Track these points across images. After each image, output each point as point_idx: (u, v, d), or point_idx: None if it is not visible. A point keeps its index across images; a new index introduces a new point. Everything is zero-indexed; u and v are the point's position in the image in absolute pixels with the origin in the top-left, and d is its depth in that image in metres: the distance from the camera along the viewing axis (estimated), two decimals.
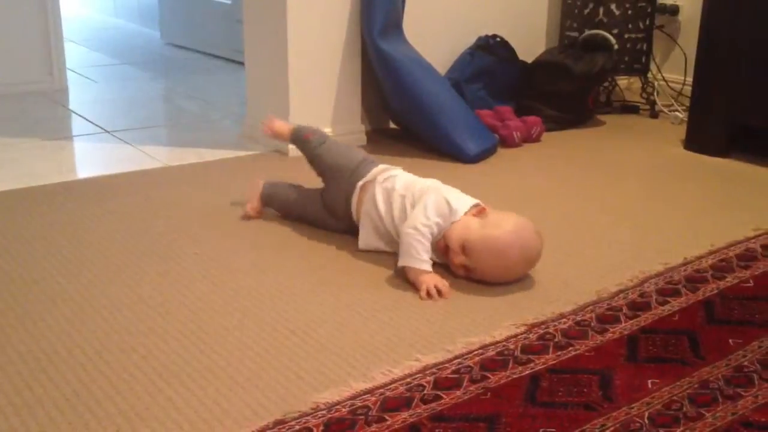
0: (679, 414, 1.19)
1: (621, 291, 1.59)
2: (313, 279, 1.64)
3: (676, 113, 2.98)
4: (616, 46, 2.91)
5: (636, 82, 3.25)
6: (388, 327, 1.45)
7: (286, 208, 1.96)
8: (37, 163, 2.38)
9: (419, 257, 1.61)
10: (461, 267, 1.63)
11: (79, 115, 2.95)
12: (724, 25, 2.46)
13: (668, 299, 1.56)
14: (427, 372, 1.29)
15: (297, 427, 1.14)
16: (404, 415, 1.18)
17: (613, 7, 2.98)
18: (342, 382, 1.26)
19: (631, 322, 1.47)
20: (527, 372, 1.30)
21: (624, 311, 1.51)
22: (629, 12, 2.99)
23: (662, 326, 1.46)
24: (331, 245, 1.81)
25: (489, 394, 1.24)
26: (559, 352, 1.36)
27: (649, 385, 1.26)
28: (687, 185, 2.28)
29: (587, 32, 2.96)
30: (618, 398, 1.22)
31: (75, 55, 4.01)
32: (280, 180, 2.01)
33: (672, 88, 3.14)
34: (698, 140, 2.59)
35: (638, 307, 1.53)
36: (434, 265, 1.64)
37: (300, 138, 1.97)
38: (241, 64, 2.93)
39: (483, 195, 1.74)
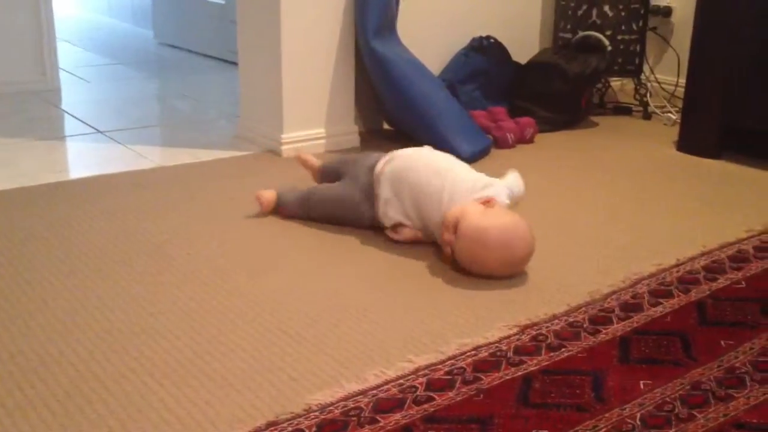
0: (671, 415, 1.19)
1: (613, 292, 1.59)
2: (305, 280, 1.64)
3: (669, 114, 2.98)
4: (609, 48, 2.91)
5: (629, 84, 3.26)
6: (380, 328, 1.44)
7: (305, 198, 1.93)
8: (29, 163, 2.37)
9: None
10: (448, 244, 1.67)
11: (72, 115, 2.95)
12: (717, 26, 2.46)
13: (660, 300, 1.56)
14: (420, 373, 1.29)
15: (289, 429, 1.14)
16: (397, 416, 1.18)
17: (606, 8, 2.98)
18: (335, 383, 1.26)
19: (624, 323, 1.47)
20: (520, 373, 1.30)
21: (616, 312, 1.51)
22: (622, 13, 2.99)
23: (654, 327, 1.46)
24: (324, 247, 1.81)
25: (482, 395, 1.24)
26: (551, 354, 1.36)
27: (642, 387, 1.26)
28: (679, 186, 2.29)
29: (581, 33, 2.97)
30: (610, 399, 1.22)
31: (68, 54, 4.00)
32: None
33: (665, 90, 3.14)
34: (691, 141, 2.59)
35: (630, 308, 1.53)
36: (433, 243, 1.76)
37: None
38: (235, 64, 2.92)
39: None
